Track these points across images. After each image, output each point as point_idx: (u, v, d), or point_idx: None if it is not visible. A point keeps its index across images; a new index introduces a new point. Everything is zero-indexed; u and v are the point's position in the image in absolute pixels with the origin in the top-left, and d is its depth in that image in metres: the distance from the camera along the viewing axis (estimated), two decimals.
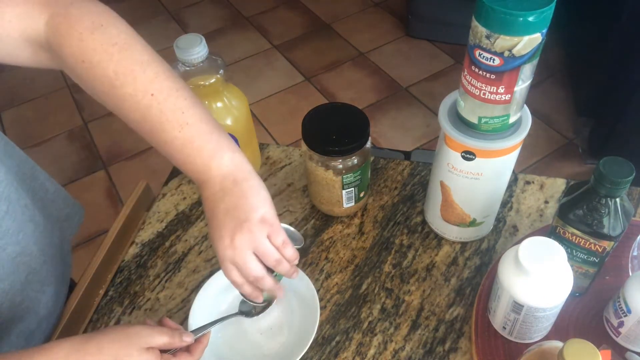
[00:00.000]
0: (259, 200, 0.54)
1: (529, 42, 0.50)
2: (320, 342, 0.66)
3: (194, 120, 0.53)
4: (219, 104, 0.74)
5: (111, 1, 0.59)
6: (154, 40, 0.56)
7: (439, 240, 0.76)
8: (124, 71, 0.52)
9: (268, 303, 0.67)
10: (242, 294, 0.59)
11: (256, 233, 0.52)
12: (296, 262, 0.57)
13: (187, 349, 0.56)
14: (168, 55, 0.65)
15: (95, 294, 0.74)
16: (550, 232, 0.60)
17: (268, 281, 0.55)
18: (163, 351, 0.52)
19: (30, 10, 0.53)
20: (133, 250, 0.78)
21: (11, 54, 0.55)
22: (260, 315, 0.66)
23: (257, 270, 0.54)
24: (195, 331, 0.58)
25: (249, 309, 0.66)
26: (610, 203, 0.53)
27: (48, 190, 0.71)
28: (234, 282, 0.55)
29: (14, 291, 0.60)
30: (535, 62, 0.54)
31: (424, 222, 0.78)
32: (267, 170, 0.88)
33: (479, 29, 0.51)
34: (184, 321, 0.68)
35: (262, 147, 0.91)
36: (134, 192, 0.82)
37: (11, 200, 0.60)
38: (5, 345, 0.60)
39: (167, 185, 0.87)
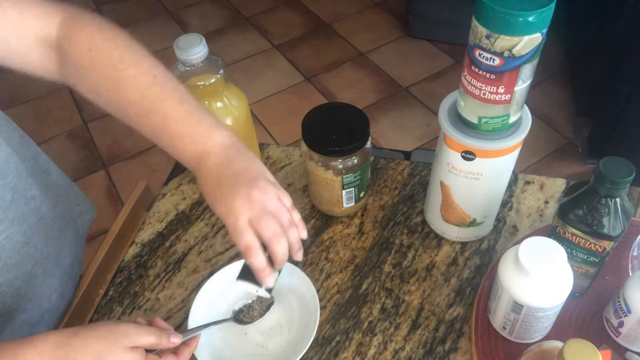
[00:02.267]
0: (264, 168, 0.55)
1: (529, 42, 0.50)
2: (320, 342, 0.66)
3: (193, 102, 0.56)
4: (219, 104, 0.74)
5: (112, 1, 0.59)
6: (154, 40, 0.58)
7: (439, 240, 0.76)
8: (128, 58, 0.56)
9: (263, 311, 0.67)
10: (252, 268, 0.52)
11: (269, 192, 0.52)
12: (304, 235, 0.55)
13: (175, 350, 0.56)
14: (168, 55, 0.65)
15: (95, 294, 0.74)
16: (550, 232, 0.60)
17: (283, 242, 0.51)
18: (149, 351, 0.52)
19: (47, 11, 0.57)
20: (133, 250, 0.78)
21: (23, 55, 0.58)
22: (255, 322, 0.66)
23: (275, 226, 0.51)
24: (185, 333, 0.58)
25: (242, 316, 0.66)
26: (610, 203, 0.53)
27: (60, 186, 0.73)
28: (248, 248, 0.50)
29: (18, 282, 0.60)
30: (535, 62, 0.54)
31: (424, 222, 0.78)
32: None
33: (479, 29, 0.51)
34: (183, 321, 0.68)
35: (262, 147, 0.91)
36: (134, 192, 0.82)
37: (17, 190, 0.61)
38: (7, 336, 0.61)
39: (167, 185, 0.87)
